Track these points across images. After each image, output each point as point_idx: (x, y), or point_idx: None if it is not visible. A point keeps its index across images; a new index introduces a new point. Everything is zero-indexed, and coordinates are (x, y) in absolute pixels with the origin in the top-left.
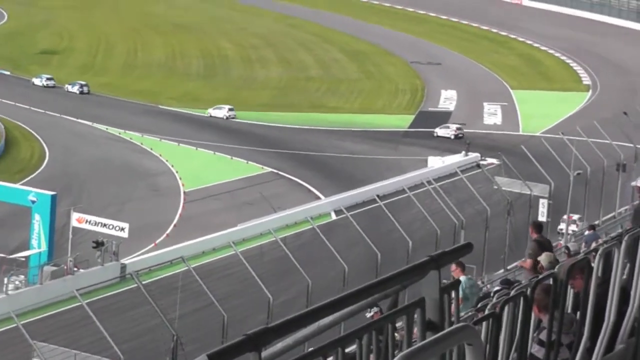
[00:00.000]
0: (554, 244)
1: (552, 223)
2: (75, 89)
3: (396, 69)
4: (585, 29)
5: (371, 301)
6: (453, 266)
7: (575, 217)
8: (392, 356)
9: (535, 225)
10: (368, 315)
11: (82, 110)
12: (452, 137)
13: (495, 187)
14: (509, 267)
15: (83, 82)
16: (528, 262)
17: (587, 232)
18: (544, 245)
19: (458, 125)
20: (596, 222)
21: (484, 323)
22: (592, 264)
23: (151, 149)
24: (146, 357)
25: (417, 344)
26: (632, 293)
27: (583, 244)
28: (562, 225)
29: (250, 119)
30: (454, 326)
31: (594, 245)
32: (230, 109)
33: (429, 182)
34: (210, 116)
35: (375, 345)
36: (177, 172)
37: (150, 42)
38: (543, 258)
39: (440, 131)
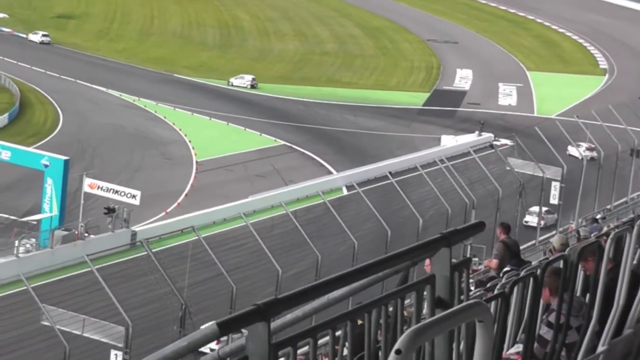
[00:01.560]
0: (565, 227)
1: (565, 205)
2: (37, 38)
3: (412, 47)
4: (603, 13)
5: (382, 276)
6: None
7: (535, 209)
8: (401, 332)
9: (504, 227)
10: None
11: (97, 76)
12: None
13: (508, 168)
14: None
15: (45, 32)
16: (494, 262)
17: (591, 225)
18: (510, 247)
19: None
20: (598, 217)
21: (493, 303)
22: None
23: (165, 117)
24: (154, 324)
25: (427, 320)
26: None
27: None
28: (527, 217)
29: (265, 92)
30: (465, 302)
31: (605, 229)
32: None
33: (442, 161)
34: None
35: (384, 321)
36: (190, 141)
37: (167, 10)
38: (555, 240)
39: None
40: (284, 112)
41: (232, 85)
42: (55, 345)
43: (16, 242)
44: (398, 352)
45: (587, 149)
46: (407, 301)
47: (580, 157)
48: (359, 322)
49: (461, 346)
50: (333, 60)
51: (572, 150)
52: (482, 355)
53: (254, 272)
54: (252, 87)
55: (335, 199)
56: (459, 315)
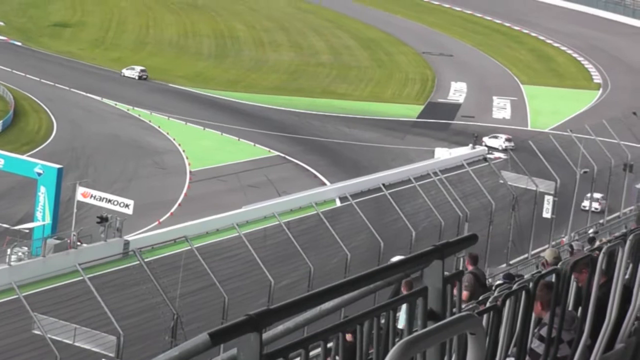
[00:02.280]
0: (557, 241)
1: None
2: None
3: (407, 59)
4: (598, 27)
5: (373, 288)
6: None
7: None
8: (393, 343)
9: (471, 257)
10: None
11: (91, 85)
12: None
13: (501, 181)
14: (511, 262)
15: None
16: (465, 294)
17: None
18: (479, 277)
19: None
20: (590, 231)
21: (485, 316)
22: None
23: (159, 126)
24: (146, 334)
25: (419, 331)
26: (634, 293)
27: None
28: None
29: (260, 102)
30: (457, 314)
31: (597, 244)
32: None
33: (435, 173)
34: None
35: (376, 332)
36: (184, 151)
37: (163, 20)
38: (547, 254)
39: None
40: (279, 122)
41: (124, 76)
42: (47, 355)
43: (8, 251)
44: None
45: (506, 139)
46: (399, 313)
47: (499, 148)
48: (349, 338)
49: (453, 359)
50: (328, 72)
51: (489, 141)
52: None
53: (246, 282)
54: (140, 78)
55: (328, 210)
56: (450, 327)
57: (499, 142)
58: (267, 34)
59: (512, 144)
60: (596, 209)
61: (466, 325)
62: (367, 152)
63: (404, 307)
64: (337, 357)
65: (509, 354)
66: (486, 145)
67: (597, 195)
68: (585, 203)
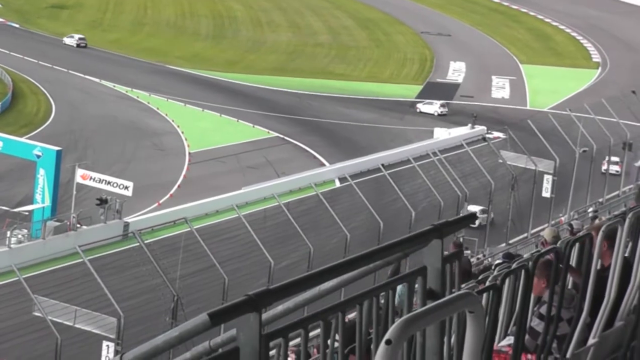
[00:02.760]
0: (556, 220)
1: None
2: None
3: (405, 39)
4: (597, 6)
5: (373, 268)
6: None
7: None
8: (392, 323)
9: (455, 245)
10: None
11: (89, 67)
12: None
13: (501, 161)
14: (510, 241)
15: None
16: None
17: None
18: (464, 265)
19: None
20: (590, 210)
21: (485, 295)
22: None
23: (158, 108)
24: (146, 316)
25: (417, 310)
26: (633, 271)
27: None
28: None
29: (258, 83)
30: (456, 293)
31: (597, 222)
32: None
33: (434, 154)
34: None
35: (376, 312)
36: (182, 132)
37: (160, 1)
38: (547, 233)
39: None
40: (277, 103)
41: (65, 44)
42: (47, 336)
43: (8, 233)
44: (388, 342)
45: (441, 105)
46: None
47: (434, 114)
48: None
49: (452, 338)
50: (326, 52)
51: (423, 107)
52: (472, 346)
53: (246, 263)
54: (79, 46)
55: (327, 191)
56: (449, 306)
57: (434, 107)
58: (265, 14)
59: (447, 109)
60: (617, 171)
61: (465, 303)
62: (366, 133)
63: (398, 289)
64: (336, 336)
65: (508, 333)
66: (420, 112)
67: (615, 158)
68: (605, 167)
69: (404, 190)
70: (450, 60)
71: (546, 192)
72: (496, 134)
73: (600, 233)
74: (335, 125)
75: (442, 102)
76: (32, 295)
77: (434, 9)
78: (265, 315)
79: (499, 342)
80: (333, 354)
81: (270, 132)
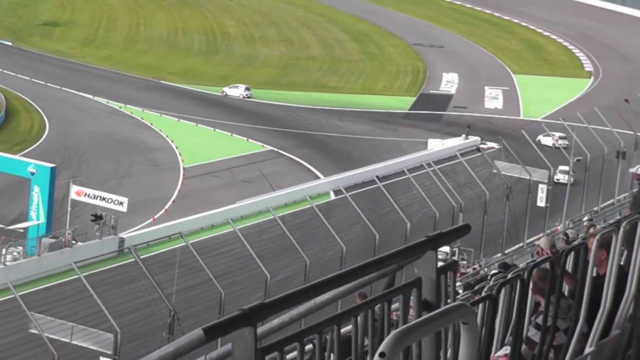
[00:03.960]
0: (552, 229)
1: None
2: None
3: (398, 51)
4: (588, 16)
5: (368, 280)
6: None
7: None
8: (388, 334)
9: None
10: None
11: (82, 83)
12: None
13: (495, 171)
14: (506, 251)
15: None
16: None
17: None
18: None
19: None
20: (585, 219)
21: (480, 305)
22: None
23: (151, 124)
24: (143, 331)
25: (412, 322)
26: (628, 279)
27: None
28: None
29: (252, 97)
30: (450, 304)
31: (592, 230)
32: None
33: (429, 165)
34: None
35: (371, 324)
36: (176, 147)
37: (153, 17)
38: (543, 242)
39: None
40: (271, 117)
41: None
42: (44, 353)
43: (3, 250)
44: (382, 355)
45: (560, 137)
46: (394, 305)
47: (240, 96)
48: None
49: (448, 353)
50: (319, 65)
51: (229, 91)
52: (467, 357)
53: (242, 277)
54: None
55: (322, 204)
56: (443, 318)
57: (239, 91)
58: (258, 29)
59: (250, 92)
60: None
61: (459, 314)
62: (360, 145)
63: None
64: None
65: (505, 343)
66: (226, 94)
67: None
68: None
69: (399, 201)
70: (443, 72)
71: (541, 202)
72: (490, 144)
73: (595, 242)
74: (330, 137)
75: (246, 86)
76: (28, 313)
77: (426, 21)
78: (260, 329)
79: (495, 352)
80: None
81: (265, 145)
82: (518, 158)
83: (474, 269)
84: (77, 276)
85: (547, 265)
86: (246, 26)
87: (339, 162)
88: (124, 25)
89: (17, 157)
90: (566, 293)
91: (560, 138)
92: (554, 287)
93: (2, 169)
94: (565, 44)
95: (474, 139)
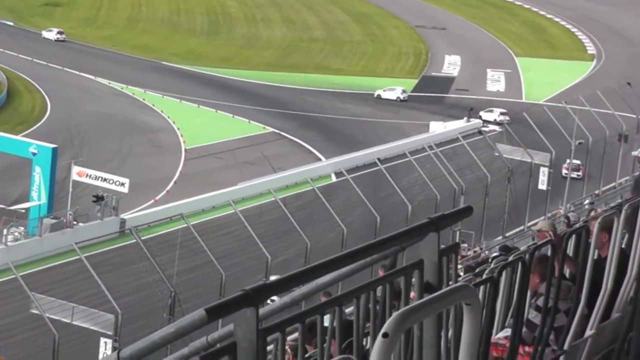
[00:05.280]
0: (553, 212)
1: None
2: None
3: (400, 33)
4: None
5: (370, 261)
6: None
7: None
8: (389, 316)
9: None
10: None
11: (84, 64)
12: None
13: (497, 154)
14: (507, 234)
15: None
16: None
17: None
18: None
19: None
20: (586, 202)
21: (481, 288)
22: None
23: (153, 105)
24: (144, 312)
25: (414, 303)
26: (629, 262)
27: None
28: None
29: (253, 78)
30: (452, 285)
31: (593, 213)
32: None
33: (430, 147)
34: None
35: (373, 306)
36: (178, 129)
37: None
38: (543, 225)
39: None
40: (273, 99)
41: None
42: (45, 334)
43: (4, 231)
44: (385, 335)
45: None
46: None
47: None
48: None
49: (450, 332)
50: (321, 47)
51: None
52: (469, 339)
53: (243, 259)
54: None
55: (324, 186)
56: (445, 298)
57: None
58: (260, 10)
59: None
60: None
61: (461, 295)
62: (361, 127)
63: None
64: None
65: (505, 325)
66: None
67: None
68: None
69: (401, 184)
70: (445, 54)
71: (542, 185)
72: (492, 127)
73: (597, 224)
74: (331, 119)
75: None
76: (29, 293)
77: (428, 3)
78: (262, 310)
79: (496, 334)
80: (330, 349)
81: (266, 127)
82: (520, 141)
83: (475, 251)
84: (78, 257)
85: (547, 248)
86: (248, 7)
87: (341, 144)
88: (126, 6)
89: (18, 137)
90: (567, 276)
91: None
92: (553, 270)
93: (3, 149)
94: (568, 26)
95: (476, 122)
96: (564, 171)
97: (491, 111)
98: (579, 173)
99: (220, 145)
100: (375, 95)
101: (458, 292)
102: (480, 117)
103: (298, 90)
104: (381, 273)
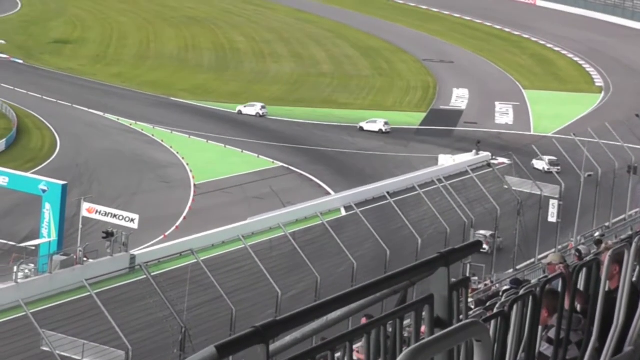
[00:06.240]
0: (564, 245)
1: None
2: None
3: (408, 67)
4: (598, 31)
5: (380, 296)
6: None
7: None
8: (400, 352)
9: None
10: None
11: (93, 101)
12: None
13: (506, 186)
14: (518, 267)
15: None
16: None
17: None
18: None
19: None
20: (597, 234)
21: (493, 322)
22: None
23: (162, 140)
24: (154, 348)
25: (425, 339)
26: None
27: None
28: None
29: (267, 115)
30: (463, 322)
31: (603, 246)
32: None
33: (440, 180)
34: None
35: (384, 341)
36: (187, 164)
37: (163, 34)
38: (553, 258)
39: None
40: (281, 133)
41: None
42: None
43: (15, 268)
44: None
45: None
46: (406, 322)
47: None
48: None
49: None
50: (329, 81)
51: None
52: None
53: (253, 294)
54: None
55: (333, 220)
56: (456, 335)
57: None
58: (267, 45)
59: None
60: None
61: (472, 332)
62: (370, 161)
63: None
64: None
65: None
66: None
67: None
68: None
69: (410, 217)
70: (453, 87)
71: (552, 217)
72: (501, 159)
73: (608, 257)
74: (340, 153)
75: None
76: (39, 330)
77: (435, 37)
78: (272, 346)
79: None
80: None
81: (275, 162)
82: (529, 173)
83: (486, 284)
84: (88, 293)
85: (558, 281)
86: (256, 42)
87: (350, 178)
88: (134, 43)
89: (28, 174)
90: (577, 310)
91: (552, 164)
92: (564, 303)
93: (14, 186)
94: (576, 59)
95: (485, 155)
96: (537, 164)
97: (374, 122)
98: (558, 168)
99: (229, 181)
100: (358, 127)
101: (469, 328)
102: (362, 128)
103: (306, 125)
104: (364, 321)
